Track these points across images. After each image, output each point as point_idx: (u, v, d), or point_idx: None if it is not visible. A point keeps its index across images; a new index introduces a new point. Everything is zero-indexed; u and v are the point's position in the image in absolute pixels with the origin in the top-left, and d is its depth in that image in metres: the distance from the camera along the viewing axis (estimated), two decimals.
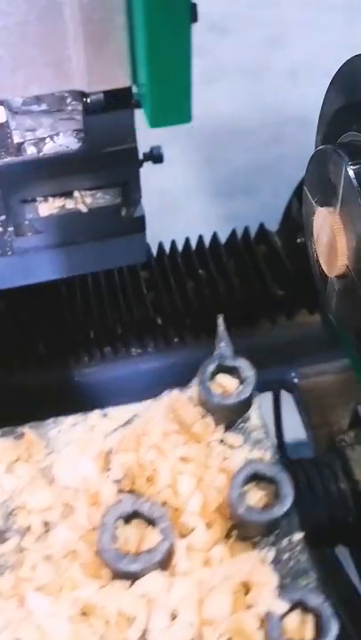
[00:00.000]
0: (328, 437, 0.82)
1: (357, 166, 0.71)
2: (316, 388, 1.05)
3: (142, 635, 0.46)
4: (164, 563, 0.49)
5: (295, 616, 0.46)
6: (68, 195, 0.76)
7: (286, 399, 1.17)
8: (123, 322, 1.03)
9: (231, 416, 0.55)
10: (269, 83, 2.75)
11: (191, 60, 0.49)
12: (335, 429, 0.93)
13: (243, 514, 0.49)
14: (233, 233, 1.12)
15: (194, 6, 0.49)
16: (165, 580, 0.48)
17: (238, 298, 1.03)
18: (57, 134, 0.74)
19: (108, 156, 0.73)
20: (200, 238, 1.12)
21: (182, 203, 2.46)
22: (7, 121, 0.73)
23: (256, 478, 0.51)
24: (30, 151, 0.73)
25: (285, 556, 0.49)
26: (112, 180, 0.76)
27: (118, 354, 1.03)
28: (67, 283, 1.03)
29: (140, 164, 0.79)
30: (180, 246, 1.13)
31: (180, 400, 0.56)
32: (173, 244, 1.13)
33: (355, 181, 0.71)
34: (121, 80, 0.53)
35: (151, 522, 0.49)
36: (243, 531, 0.50)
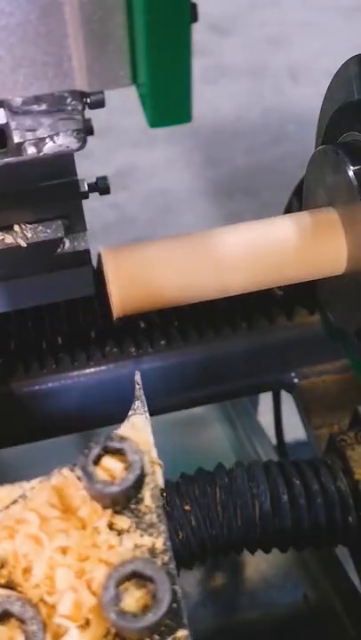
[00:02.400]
0: (328, 437, 0.82)
1: (357, 166, 0.71)
2: (317, 388, 1.05)
3: None
4: None
5: None
6: (8, 228, 0.74)
7: (286, 399, 1.17)
8: (97, 326, 1.00)
9: (121, 500, 0.52)
10: (270, 83, 2.75)
11: (191, 60, 0.49)
12: (335, 429, 0.93)
13: (115, 620, 0.45)
14: None
15: (194, 6, 0.49)
16: None
17: (237, 298, 1.03)
18: (57, 134, 0.74)
19: (47, 189, 0.72)
20: None
21: (182, 203, 2.47)
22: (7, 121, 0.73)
23: (135, 576, 0.47)
24: (30, 151, 0.73)
25: None
26: (53, 213, 0.74)
27: (91, 359, 0.99)
28: None
29: (84, 195, 0.77)
30: None
31: (68, 480, 0.53)
32: None
33: (355, 181, 0.71)
34: (121, 80, 0.53)
35: (23, 623, 0.46)
36: (122, 633, 0.47)
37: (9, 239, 0.73)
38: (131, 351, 1.01)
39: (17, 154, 0.75)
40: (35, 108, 0.73)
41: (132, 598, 0.47)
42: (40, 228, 0.74)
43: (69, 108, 0.74)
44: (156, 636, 0.46)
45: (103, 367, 0.99)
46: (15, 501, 0.52)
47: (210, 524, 0.72)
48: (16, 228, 0.73)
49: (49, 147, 0.74)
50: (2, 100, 0.71)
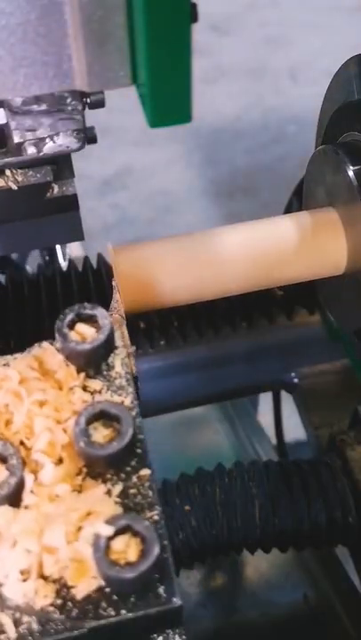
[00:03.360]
0: (328, 437, 0.82)
1: (357, 166, 0.71)
2: (317, 388, 1.05)
3: None
4: (13, 498, 0.51)
5: (123, 539, 0.48)
6: (0, 173, 0.76)
7: (286, 399, 1.17)
8: None
9: (92, 363, 0.57)
10: (269, 83, 2.75)
11: (191, 60, 0.49)
12: (335, 429, 0.93)
13: (83, 447, 0.51)
14: None
15: (194, 6, 0.49)
16: (12, 514, 0.50)
17: (237, 298, 1.03)
18: (57, 134, 0.74)
19: None
20: None
21: (182, 203, 2.47)
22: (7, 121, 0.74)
23: (103, 417, 0.53)
24: (30, 151, 0.73)
25: (133, 490, 0.52)
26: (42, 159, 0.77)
27: None
28: (31, 281, 1.01)
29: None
30: None
31: (47, 349, 0.58)
32: None
33: (355, 181, 0.71)
34: (121, 80, 0.53)
35: (4, 460, 0.52)
36: (92, 468, 0.53)
37: (0, 182, 0.75)
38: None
39: (17, 154, 0.75)
40: (35, 107, 0.73)
41: (100, 435, 0.53)
42: (30, 172, 0.76)
43: (69, 108, 0.74)
44: (122, 475, 0.52)
45: None
46: None
47: (210, 523, 0.72)
48: (7, 172, 0.76)
49: (49, 147, 0.74)
50: (2, 99, 0.71)
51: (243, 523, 0.73)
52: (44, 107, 0.74)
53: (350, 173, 0.71)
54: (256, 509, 0.73)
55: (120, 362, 0.58)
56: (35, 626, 0.47)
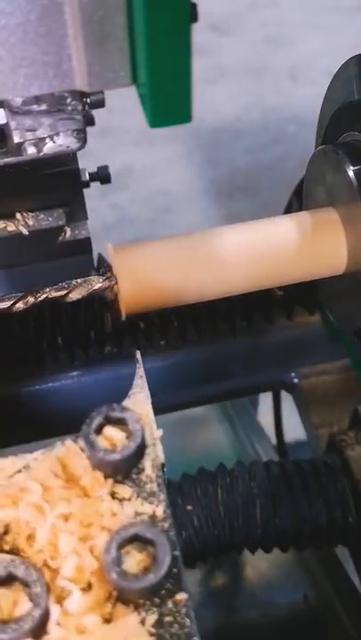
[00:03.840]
0: (328, 437, 0.82)
1: (357, 166, 0.71)
2: (317, 388, 1.05)
3: None
4: (37, 631, 0.46)
5: None
6: (10, 216, 0.75)
7: (286, 399, 1.17)
8: (97, 326, 0.99)
9: (122, 469, 0.53)
10: (269, 83, 2.75)
11: (191, 60, 0.49)
12: (335, 429, 0.93)
13: (116, 580, 0.47)
14: None
15: (194, 6, 0.49)
16: None
17: (237, 298, 1.03)
18: (57, 134, 0.74)
19: (48, 177, 0.72)
20: None
21: (182, 203, 2.47)
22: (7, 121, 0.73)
23: (136, 540, 0.49)
24: (30, 151, 0.73)
25: (168, 619, 0.47)
26: (55, 201, 0.74)
27: (91, 359, 0.98)
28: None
29: (85, 184, 0.78)
30: None
31: (70, 450, 0.54)
32: None
33: (355, 181, 0.71)
34: (121, 80, 0.53)
35: (26, 585, 0.47)
36: (123, 594, 0.48)
37: (11, 227, 0.74)
38: (130, 351, 1.00)
39: (17, 154, 0.75)
40: (35, 107, 0.73)
41: (134, 561, 0.48)
42: (41, 216, 0.75)
43: (69, 108, 0.74)
44: (157, 599, 0.47)
45: (103, 367, 0.99)
46: (19, 471, 0.53)
47: (212, 523, 0.72)
48: (18, 215, 0.74)
49: (49, 147, 0.74)
50: (2, 99, 0.71)
51: (244, 522, 0.73)
52: (44, 107, 0.74)
53: (350, 173, 0.71)
54: (257, 509, 0.73)
55: (150, 464, 0.54)
56: None
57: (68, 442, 0.54)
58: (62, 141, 0.74)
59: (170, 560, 0.48)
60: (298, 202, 0.98)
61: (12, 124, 0.73)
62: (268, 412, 1.29)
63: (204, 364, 1.03)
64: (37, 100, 0.73)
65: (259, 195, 2.43)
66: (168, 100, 0.50)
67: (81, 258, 0.78)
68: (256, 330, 1.03)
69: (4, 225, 0.74)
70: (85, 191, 0.82)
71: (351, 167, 0.71)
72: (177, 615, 0.47)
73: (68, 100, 0.74)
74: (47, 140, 0.74)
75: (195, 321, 1.03)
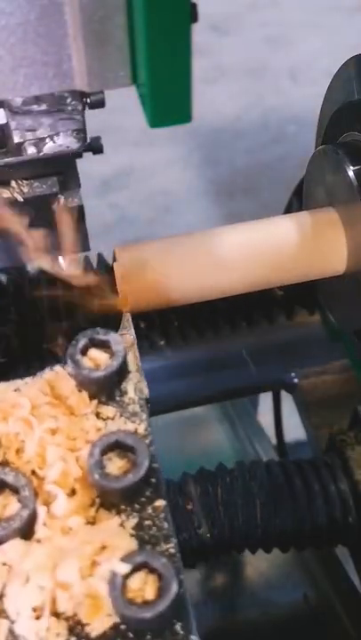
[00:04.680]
0: (328, 437, 0.82)
1: (357, 166, 0.71)
2: (317, 388, 1.05)
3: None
4: (25, 531, 0.50)
5: (139, 576, 0.47)
6: (5, 184, 0.76)
7: (286, 399, 1.17)
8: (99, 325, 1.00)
9: (105, 390, 0.56)
10: (269, 83, 2.75)
11: (191, 60, 0.49)
12: (335, 429, 0.93)
13: (98, 480, 0.50)
14: None
15: (194, 6, 0.49)
16: (24, 548, 0.49)
17: (237, 298, 1.03)
18: (57, 134, 0.74)
19: None
20: None
21: (182, 203, 2.47)
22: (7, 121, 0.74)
23: (118, 447, 0.52)
24: (30, 151, 0.73)
25: (147, 522, 0.50)
26: (48, 169, 0.76)
27: None
28: (32, 280, 1.01)
29: (78, 154, 0.79)
30: None
31: (59, 374, 0.57)
32: None
33: (355, 181, 0.71)
34: (121, 80, 0.53)
35: (16, 491, 0.51)
36: (106, 499, 0.51)
37: (6, 194, 0.75)
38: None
39: (17, 154, 0.75)
40: (35, 107, 0.73)
41: (115, 466, 0.52)
42: (36, 183, 0.76)
43: (69, 108, 0.74)
44: (137, 505, 0.51)
45: None
46: (7, 396, 0.56)
47: (212, 523, 0.72)
48: (12, 183, 0.75)
49: (49, 147, 0.74)
50: (2, 99, 0.72)
51: (244, 522, 0.73)
52: (44, 107, 0.74)
53: (350, 173, 0.71)
54: (257, 509, 0.73)
55: (133, 387, 0.57)
56: None
57: (57, 367, 0.58)
58: (62, 141, 0.74)
59: (148, 463, 0.51)
60: (298, 202, 0.98)
61: (12, 124, 0.73)
62: (268, 412, 1.29)
63: (205, 364, 1.03)
64: (37, 99, 0.73)
65: (259, 195, 2.43)
66: (168, 100, 0.50)
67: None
68: (256, 330, 1.03)
69: None
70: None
71: (351, 167, 0.71)
72: (155, 519, 0.50)
73: (68, 100, 0.74)
74: (47, 139, 0.74)
75: (195, 321, 1.03)
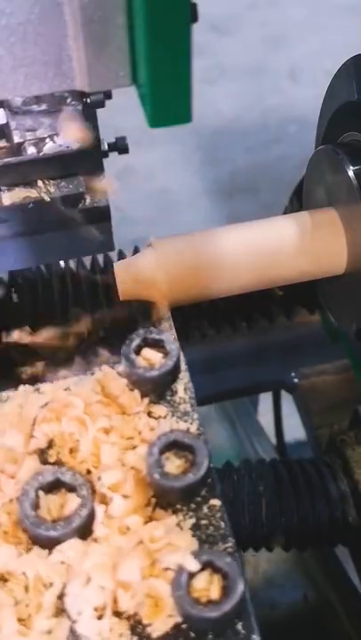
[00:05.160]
0: (328, 437, 0.82)
1: (357, 167, 0.71)
2: (316, 388, 1.05)
3: (57, 599, 0.48)
4: (83, 530, 0.50)
5: (204, 576, 0.47)
6: (33, 184, 0.76)
7: (286, 399, 1.17)
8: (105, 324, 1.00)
9: (157, 389, 0.56)
10: (270, 83, 2.75)
11: (191, 60, 0.49)
12: (335, 429, 0.93)
13: (158, 479, 0.50)
14: None
15: (194, 6, 0.49)
16: (83, 547, 0.49)
17: (237, 298, 1.03)
18: (57, 134, 0.74)
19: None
20: None
21: (182, 203, 2.47)
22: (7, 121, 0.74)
23: (175, 447, 0.52)
24: (30, 151, 0.73)
25: (204, 522, 0.50)
26: (75, 169, 0.76)
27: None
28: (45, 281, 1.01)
29: (105, 154, 0.79)
30: None
31: (108, 374, 0.57)
32: None
33: (355, 181, 0.71)
34: (121, 80, 0.53)
35: (72, 490, 0.51)
36: (162, 498, 0.51)
37: (33, 194, 0.75)
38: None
39: (17, 154, 0.75)
40: (35, 108, 0.73)
41: (173, 465, 0.52)
42: (62, 183, 0.76)
43: (69, 107, 0.74)
44: (193, 505, 0.51)
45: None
46: (59, 396, 0.56)
47: None
48: (39, 183, 0.75)
49: (49, 147, 0.74)
50: (2, 99, 0.72)
51: (250, 520, 0.73)
52: (44, 107, 0.74)
53: (350, 173, 0.71)
54: (263, 508, 0.73)
55: (183, 387, 0.58)
56: None
57: (105, 367, 0.58)
58: (62, 141, 0.74)
59: (208, 463, 0.51)
60: (298, 202, 0.98)
61: (12, 124, 0.73)
62: (268, 412, 1.29)
63: (205, 364, 1.03)
64: (37, 99, 0.73)
65: (259, 195, 2.43)
66: (168, 101, 0.50)
67: (100, 226, 0.80)
68: (256, 330, 1.03)
69: (27, 192, 0.75)
70: None
71: (351, 167, 0.71)
72: (212, 519, 0.50)
73: (68, 100, 0.74)
74: (47, 139, 0.74)
75: (196, 321, 1.03)
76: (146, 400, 0.56)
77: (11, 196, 0.76)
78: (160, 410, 0.56)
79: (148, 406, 0.56)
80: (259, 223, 0.75)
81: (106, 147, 0.81)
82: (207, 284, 0.73)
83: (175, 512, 0.51)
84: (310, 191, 0.82)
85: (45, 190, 0.76)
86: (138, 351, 0.57)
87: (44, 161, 0.74)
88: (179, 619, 0.46)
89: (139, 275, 0.70)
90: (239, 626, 0.46)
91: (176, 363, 0.56)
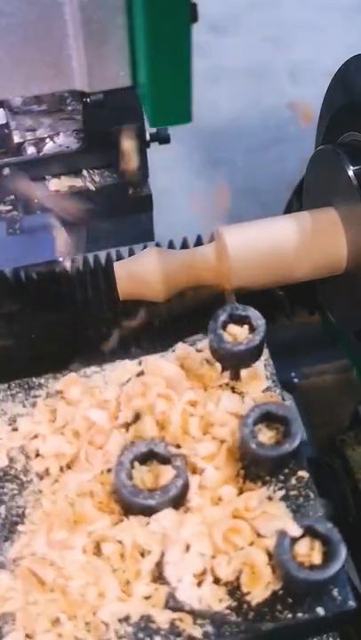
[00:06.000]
0: (328, 437, 0.82)
1: (357, 166, 0.71)
2: (316, 387, 1.05)
3: (155, 567, 0.49)
4: (177, 500, 0.51)
5: (305, 541, 0.48)
6: (77, 173, 0.77)
7: (286, 399, 1.17)
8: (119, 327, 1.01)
9: (242, 364, 0.57)
10: (269, 83, 2.75)
11: (191, 60, 0.49)
12: (335, 429, 0.93)
13: (254, 449, 0.51)
14: None
15: (194, 6, 0.49)
16: (178, 516, 0.50)
17: (237, 297, 1.03)
18: (57, 134, 0.74)
19: (115, 136, 0.74)
20: (199, 238, 1.12)
21: (182, 202, 2.46)
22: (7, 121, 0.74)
23: (267, 419, 0.53)
24: (30, 151, 0.74)
25: (294, 492, 0.51)
26: (120, 159, 0.77)
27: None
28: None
29: (147, 144, 0.79)
30: (177, 246, 1.12)
31: (188, 350, 0.59)
32: (171, 243, 1.13)
33: (355, 181, 0.71)
34: (121, 80, 0.53)
35: (165, 461, 0.51)
36: (253, 470, 0.52)
37: (79, 183, 0.76)
38: (132, 351, 1.00)
39: (17, 154, 0.75)
40: (35, 108, 0.73)
41: (265, 437, 0.52)
42: (107, 173, 0.76)
43: (69, 108, 0.74)
44: (281, 477, 0.52)
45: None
46: (141, 372, 0.58)
47: None
48: (84, 172, 0.76)
49: (49, 147, 0.74)
50: (2, 99, 0.72)
51: None
52: (44, 107, 0.74)
53: (350, 173, 0.71)
54: None
55: (264, 363, 0.59)
56: (210, 629, 0.47)
57: (181, 344, 0.59)
58: (62, 141, 0.74)
59: (301, 434, 0.52)
60: (298, 202, 0.98)
61: (12, 124, 0.73)
62: None
63: None
64: (37, 99, 0.73)
65: (259, 195, 2.43)
66: (168, 100, 0.50)
67: (142, 216, 0.80)
68: None
69: (71, 181, 0.76)
70: None
71: (351, 167, 0.71)
72: (301, 490, 0.51)
73: (68, 100, 0.74)
74: (47, 139, 0.74)
75: (196, 321, 1.03)
76: (226, 374, 0.57)
77: (56, 185, 0.77)
78: (241, 385, 0.56)
79: (228, 381, 0.57)
80: (257, 224, 0.75)
81: (148, 137, 0.82)
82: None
83: (265, 484, 0.52)
84: (310, 191, 0.82)
85: (90, 180, 0.76)
86: (223, 327, 0.57)
87: (89, 150, 0.75)
88: (276, 586, 0.47)
89: (139, 274, 0.70)
90: (335, 592, 0.47)
91: (263, 338, 0.56)
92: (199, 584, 0.48)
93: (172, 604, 0.48)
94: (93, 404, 0.56)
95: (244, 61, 2.89)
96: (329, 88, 0.81)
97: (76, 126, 0.74)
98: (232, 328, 0.57)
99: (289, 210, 1.09)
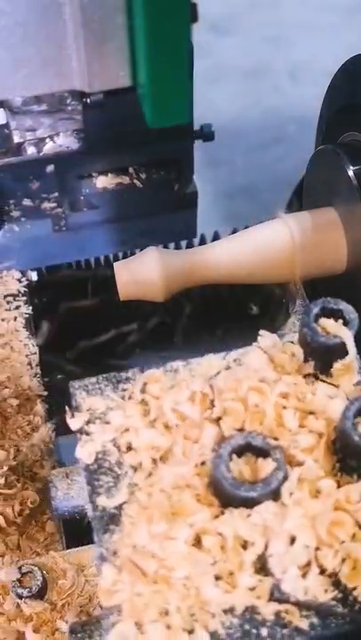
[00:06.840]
0: None
1: (357, 166, 0.71)
2: None
3: (257, 559, 0.48)
4: (277, 492, 0.50)
5: None
6: (124, 171, 0.77)
7: None
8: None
9: (333, 358, 0.56)
10: (269, 83, 2.75)
11: (191, 61, 0.49)
12: None
13: (358, 442, 0.50)
14: (233, 233, 1.12)
15: (194, 6, 0.49)
16: (278, 509, 0.50)
17: (237, 298, 1.03)
18: (57, 134, 0.74)
19: (162, 132, 0.74)
20: (201, 237, 1.12)
21: None
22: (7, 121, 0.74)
23: None
24: (30, 151, 0.73)
25: None
26: (166, 156, 0.78)
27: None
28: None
29: (192, 141, 0.80)
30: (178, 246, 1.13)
31: (275, 342, 0.59)
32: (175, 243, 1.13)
33: (355, 181, 0.71)
34: (121, 80, 0.53)
35: (263, 454, 0.51)
36: (349, 463, 0.52)
37: (125, 180, 0.77)
38: (134, 351, 1.01)
39: (17, 154, 0.75)
40: (35, 108, 0.73)
41: None
42: (153, 169, 0.77)
43: (69, 108, 0.74)
44: None
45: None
46: (228, 366, 0.58)
47: None
48: (130, 169, 0.76)
49: (49, 147, 0.74)
50: (2, 99, 0.72)
51: None
52: (44, 107, 0.74)
53: (350, 173, 0.71)
54: None
55: (351, 357, 0.57)
56: (316, 620, 0.47)
57: (266, 336, 0.59)
58: (62, 141, 0.74)
59: None
60: (298, 202, 0.98)
61: (12, 124, 0.73)
62: None
63: None
64: (37, 99, 0.73)
65: (259, 195, 2.43)
66: (168, 100, 0.50)
67: (186, 212, 0.80)
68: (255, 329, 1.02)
69: (118, 179, 0.76)
70: None
71: (351, 167, 0.71)
72: None
73: (68, 100, 0.74)
74: (47, 139, 0.74)
75: (196, 321, 1.03)
76: (312, 363, 0.56)
77: (103, 182, 0.77)
78: (331, 378, 0.56)
79: (317, 374, 0.56)
80: (259, 225, 0.76)
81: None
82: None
83: (360, 477, 0.51)
84: (310, 191, 0.82)
85: (136, 176, 0.76)
86: (315, 320, 0.56)
87: (136, 147, 0.75)
88: None
89: (139, 274, 0.70)
90: None
91: (357, 332, 0.56)
92: (304, 575, 0.48)
93: (278, 596, 0.47)
94: (183, 397, 0.56)
95: (245, 61, 2.89)
96: (329, 88, 0.81)
97: (76, 126, 0.74)
98: (323, 321, 0.56)
99: (289, 210, 1.09)
